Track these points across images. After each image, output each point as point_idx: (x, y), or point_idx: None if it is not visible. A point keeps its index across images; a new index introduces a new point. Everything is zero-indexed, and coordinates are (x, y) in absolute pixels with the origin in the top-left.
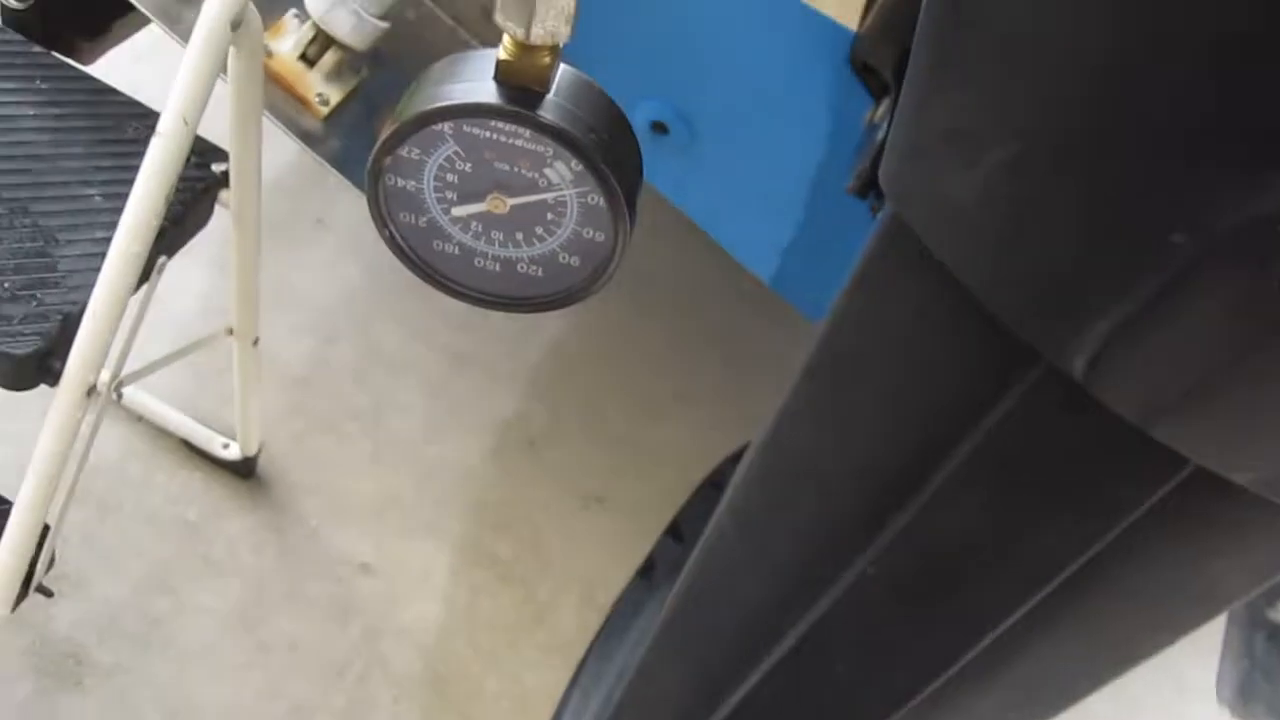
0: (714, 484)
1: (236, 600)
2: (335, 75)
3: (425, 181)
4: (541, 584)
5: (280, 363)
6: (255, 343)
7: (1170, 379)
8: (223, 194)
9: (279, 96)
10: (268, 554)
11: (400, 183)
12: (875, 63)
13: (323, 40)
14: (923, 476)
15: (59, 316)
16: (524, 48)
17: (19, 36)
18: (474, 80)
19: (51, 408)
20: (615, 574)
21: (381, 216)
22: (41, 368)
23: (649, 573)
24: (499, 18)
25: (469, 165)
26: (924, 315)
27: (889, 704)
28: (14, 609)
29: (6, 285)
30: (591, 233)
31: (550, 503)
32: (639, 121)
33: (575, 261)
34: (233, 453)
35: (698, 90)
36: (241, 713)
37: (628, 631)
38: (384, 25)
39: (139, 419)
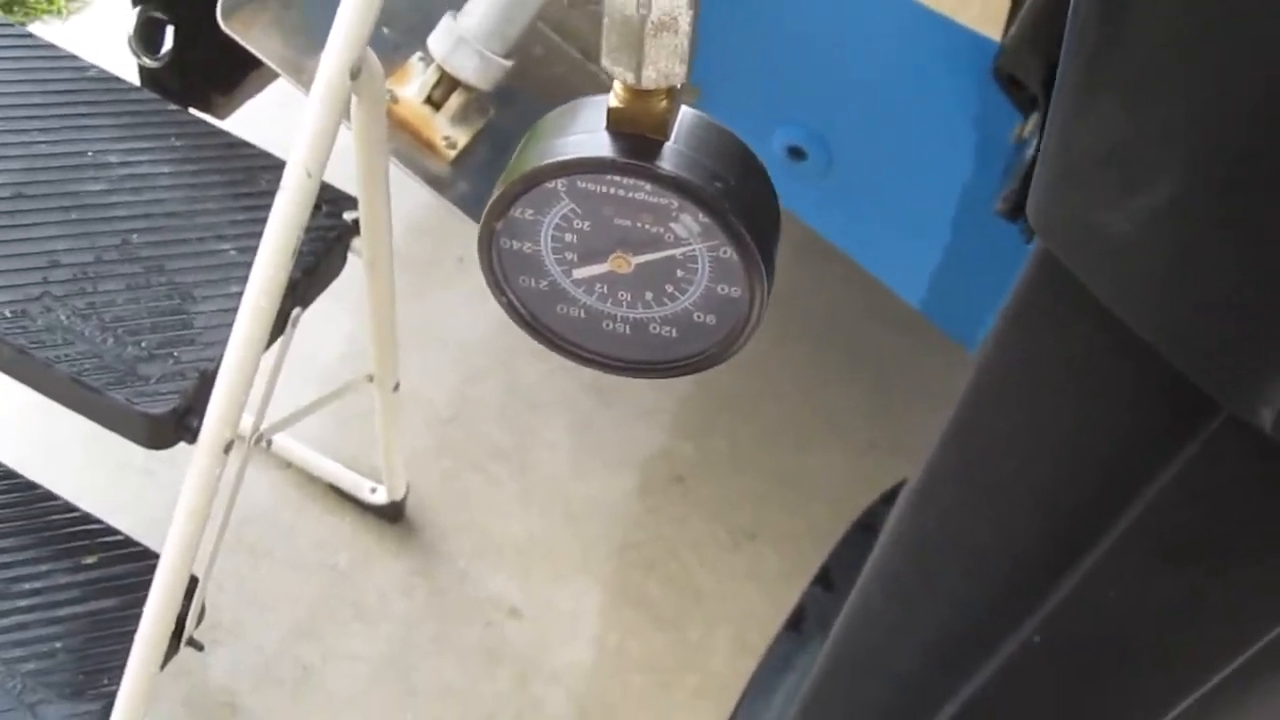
0: (864, 526)
1: (386, 646)
2: (462, 117)
3: (543, 243)
4: (692, 625)
5: (426, 403)
6: (396, 388)
7: None
8: (355, 241)
9: (405, 141)
10: (416, 599)
11: (516, 245)
12: (1021, 75)
13: (448, 83)
14: (1087, 542)
15: (195, 374)
16: (636, 93)
17: (154, 95)
18: (586, 132)
19: (190, 465)
20: (767, 613)
21: (498, 282)
22: (180, 426)
23: (799, 624)
24: (606, 62)
25: (587, 224)
26: (1085, 362)
27: None
28: (164, 666)
29: (144, 344)
30: (726, 289)
31: (700, 540)
32: (775, 148)
33: (711, 320)
34: (380, 497)
35: (834, 113)
36: None
37: (775, 691)
38: (508, 64)
39: (288, 465)
